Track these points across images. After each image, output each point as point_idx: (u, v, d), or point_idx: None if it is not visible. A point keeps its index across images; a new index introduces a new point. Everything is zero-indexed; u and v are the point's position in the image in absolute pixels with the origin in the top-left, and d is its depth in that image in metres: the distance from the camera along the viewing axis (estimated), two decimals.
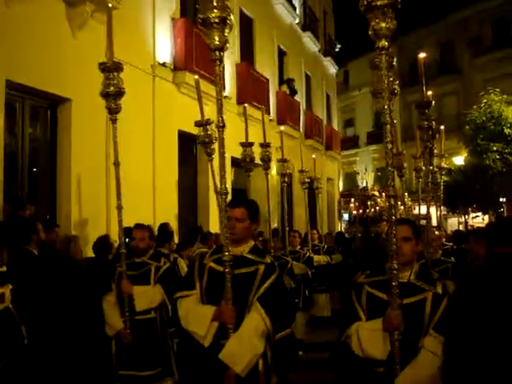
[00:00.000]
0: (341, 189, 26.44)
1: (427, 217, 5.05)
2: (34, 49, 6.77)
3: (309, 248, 8.82)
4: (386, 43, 2.67)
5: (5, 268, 4.02)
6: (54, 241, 5.59)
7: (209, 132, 5.34)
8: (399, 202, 8.35)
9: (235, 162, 10.28)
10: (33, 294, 4.15)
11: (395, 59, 4.04)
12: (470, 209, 20.28)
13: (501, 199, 18.92)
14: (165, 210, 9.33)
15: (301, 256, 8.25)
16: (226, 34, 3.01)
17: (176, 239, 8.43)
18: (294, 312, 6.43)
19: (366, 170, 29.91)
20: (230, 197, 3.37)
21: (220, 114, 3.15)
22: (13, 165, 6.92)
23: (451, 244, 7.69)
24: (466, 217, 20.78)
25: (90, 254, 5.83)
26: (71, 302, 4.52)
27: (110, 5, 4.22)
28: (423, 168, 5.94)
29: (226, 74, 11.95)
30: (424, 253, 4.55)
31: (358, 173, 28.88)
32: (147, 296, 4.47)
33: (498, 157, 18.17)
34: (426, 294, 2.89)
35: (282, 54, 17.40)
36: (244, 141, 6.29)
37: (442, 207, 7.49)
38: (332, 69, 24.11)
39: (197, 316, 3.08)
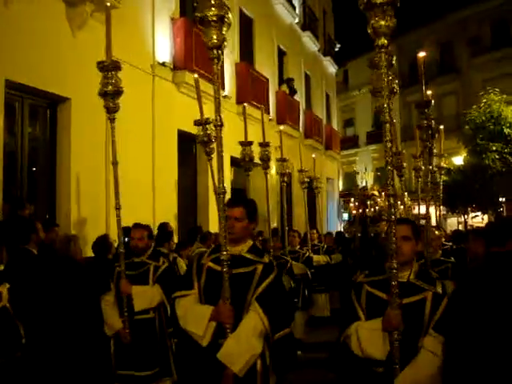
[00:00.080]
0: (340, 188, 26.46)
1: (426, 216, 5.05)
2: (33, 48, 6.77)
3: (308, 248, 8.82)
4: (386, 41, 2.65)
5: (2, 267, 4.01)
6: (54, 240, 5.58)
7: (208, 131, 5.34)
8: (399, 202, 8.36)
9: (235, 161, 10.28)
10: (32, 294, 4.15)
11: (394, 58, 4.03)
12: (469, 208, 20.28)
13: (500, 199, 18.92)
14: (164, 210, 9.33)
15: (300, 256, 8.25)
16: (223, 33, 2.99)
17: (175, 239, 8.43)
18: (293, 312, 6.43)
19: (365, 169, 29.94)
20: (229, 196, 3.37)
21: (218, 113, 3.11)
22: (12, 164, 6.91)
23: (450, 244, 7.70)
24: (466, 216, 20.78)
25: (90, 253, 5.83)
26: (71, 301, 4.51)
27: (108, 4, 4.23)
28: (423, 167, 5.95)
29: (225, 73, 11.96)
30: (424, 253, 4.55)
31: (358, 172, 28.91)
32: (146, 296, 4.47)
33: (497, 156, 18.18)
34: (425, 293, 2.88)
35: (281, 54, 17.40)
36: (243, 140, 6.29)
37: (441, 207, 7.49)
38: (331, 68, 24.11)
39: (195, 316, 3.07)
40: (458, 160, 20.17)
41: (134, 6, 9.05)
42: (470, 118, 19.40)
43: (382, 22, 2.60)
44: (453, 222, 23.41)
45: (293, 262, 7.36)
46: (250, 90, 13.10)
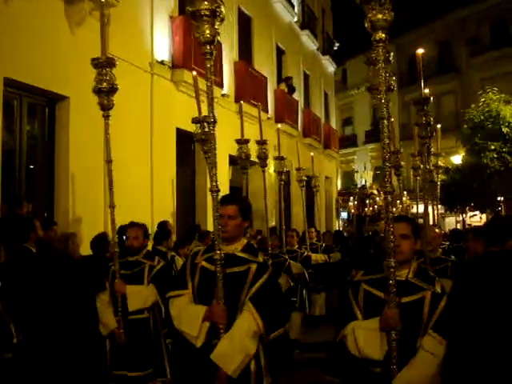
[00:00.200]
0: (339, 187, 26.49)
1: (425, 215, 5.04)
2: (32, 46, 6.74)
3: (307, 246, 8.83)
4: (383, 35, 2.61)
5: None
6: (53, 239, 5.58)
7: (206, 129, 5.32)
8: (398, 201, 8.36)
9: (233, 159, 10.28)
10: (30, 292, 4.14)
11: (392, 54, 4.01)
12: (467, 208, 20.31)
13: (498, 198, 18.96)
14: (162, 209, 9.32)
15: (298, 255, 8.24)
16: (216, 27, 2.91)
17: (174, 237, 8.42)
18: (288, 311, 6.38)
19: (364, 168, 29.97)
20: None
21: (211, 110, 3.05)
22: (10, 162, 6.89)
23: (447, 243, 7.70)
24: (464, 216, 20.81)
25: (88, 251, 5.82)
26: (68, 299, 4.50)
27: (102, 0, 4.24)
28: (421, 166, 5.93)
29: (224, 71, 11.94)
30: (424, 250, 4.53)
31: (358, 171, 28.93)
32: (140, 296, 4.43)
33: (495, 156, 18.20)
34: (424, 292, 2.84)
35: (280, 53, 17.38)
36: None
37: (439, 206, 7.49)
38: (330, 67, 24.09)
39: (188, 316, 3.02)
40: (457, 159, 20.19)
41: (133, 4, 9.03)
42: (469, 117, 19.43)
43: (380, 16, 2.55)
44: (451, 221, 23.45)
45: (291, 262, 7.35)
46: (249, 88, 13.08)
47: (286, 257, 7.27)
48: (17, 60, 6.55)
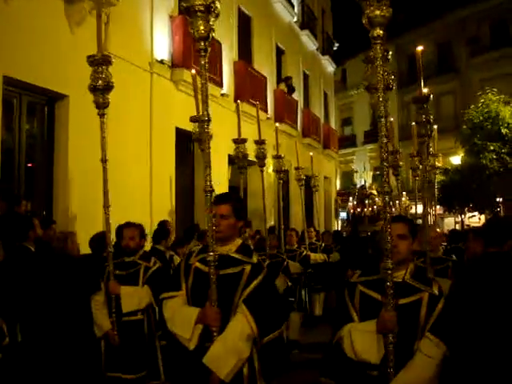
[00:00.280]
0: (338, 187, 26.50)
1: (424, 215, 5.05)
2: (31, 45, 6.74)
3: (306, 246, 8.83)
4: (381, 32, 2.56)
5: None
6: (52, 238, 5.58)
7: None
8: (397, 202, 8.36)
9: (233, 159, 10.28)
10: (28, 291, 4.14)
11: (390, 53, 3.99)
12: (466, 208, 20.30)
13: (497, 199, 18.96)
14: (161, 208, 9.31)
15: (297, 255, 8.23)
16: (211, 23, 2.87)
17: (173, 237, 8.42)
18: (285, 313, 6.32)
19: (364, 168, 29.97)
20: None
21: (205, 107, 3.00)
22: (9, 161, 6.88)
23: (445, 244, 7.70)
24: (463, 216, 20.81)
25: (87, 250, 5.81)
26: (66, 299, 4.49)
27: None
28: (420, 166, 5.93)
29: (223, 71, 11.93)
30: (424, 250, 4.53)
31: (357, 171, 28.93)
32: (135, 297, 4.37)
33: (494, 156, 18.21)
34: (421, 294, 2.80)
35: (280, 52, 17.37)
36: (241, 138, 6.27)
37: (437, 206, 7.51)
38: (330, 67, 24.09)
39: (182, 318, 2.96)
40: (456, 160, 20.19)
41: (133, 3, 9.02)
42: (468, 117, 19.43)
43: (378, 12, 2.51)
44: (450, 222, 23.43)
45: (289, 262, 7.34)
46: (249, 88, 13.07)
47: (284, 257, 7.25)
48: (17, 59, 6.54)
